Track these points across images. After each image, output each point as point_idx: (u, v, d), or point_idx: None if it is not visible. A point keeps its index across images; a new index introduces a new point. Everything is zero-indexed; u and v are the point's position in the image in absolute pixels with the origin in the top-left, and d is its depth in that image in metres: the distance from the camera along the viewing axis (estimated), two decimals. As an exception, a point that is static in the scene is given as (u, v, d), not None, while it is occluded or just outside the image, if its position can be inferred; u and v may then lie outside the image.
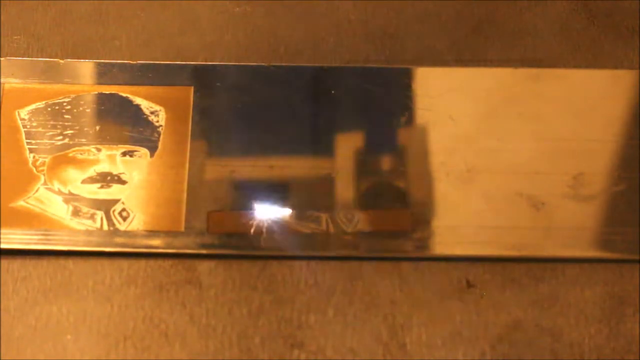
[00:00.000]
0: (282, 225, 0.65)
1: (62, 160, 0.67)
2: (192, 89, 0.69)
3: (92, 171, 0.66)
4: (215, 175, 0.66)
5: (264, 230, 0.65)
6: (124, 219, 0.65)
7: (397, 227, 0.65)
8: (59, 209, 0.65)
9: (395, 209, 0.66)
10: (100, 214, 0.65)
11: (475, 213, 0.66)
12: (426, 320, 0.63)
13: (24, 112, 0.68)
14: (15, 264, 0.64)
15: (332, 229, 0.65)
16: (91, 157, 0.67)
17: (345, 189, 0.66)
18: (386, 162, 0.67)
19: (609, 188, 0.67)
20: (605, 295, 0.64)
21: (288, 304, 0.63)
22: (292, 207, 0.65)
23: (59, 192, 0.66)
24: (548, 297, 0.64)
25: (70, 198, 0.65)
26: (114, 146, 0.67)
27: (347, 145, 0.68)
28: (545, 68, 0.71)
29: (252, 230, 0.65)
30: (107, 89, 0.69)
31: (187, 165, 0.67)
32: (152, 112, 0.68)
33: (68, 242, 0.64)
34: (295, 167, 0.67)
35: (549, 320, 0.63)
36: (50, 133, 0.67)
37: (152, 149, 0.67)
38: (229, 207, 0.66)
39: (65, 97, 0.69)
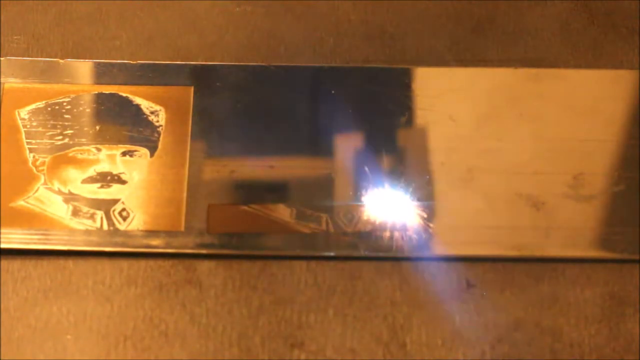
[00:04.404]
0: (282, 225, 0.65)
1: (62, 160, 0.67)
2: (192, 89, 0.69)
3: (92, 171, 0.66)
4: (215, 175, 0.66)
5: (264, 230, 0.65)
6: (124, 218, 0.65)
7: (396, 227, 0.65)
8: (58, 209, 0.65)
9: (395, 209, 0.66)
10: (100, 213, 0.65)
11: (475, 213, 0.66)
12: (426, 320, 0.63)
13: (24, 112, 0.68)
14: (15, 264, 0.64)
15: (332, 229, 0.65)
16: (91, 157, 0.67)
17: (345, 189, 0.66)
18: (386, 162, 0.67)
19: (609, 188, 0.67)
20: (605, 295, 0.64)
21: (288, 304, 0.63)
22: (292, 207, 0.65)
23: (59, 192, 0.66)
24: (548, 297, 0.64)
25: (70, 198, 0.65)
26: (114, 146, 0.67)
27: (347, 145, 0.68)
28: (545, 68, 0.71)
29: (252, 230, 0.65)
30: (107, 89, 0.69)
31: (187, 165, 0.67)
32: (152, 112, 0.68)
33: (68, 242, 0.64)
34: (295, 167, 0.67)
35: (549, 320, 0.63)
36: (50, 133, 0.67)
37: (152, 149, 0.67)
38: (229, 207, 0.66)
39: (65, 97, 0.69)
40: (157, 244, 0.64)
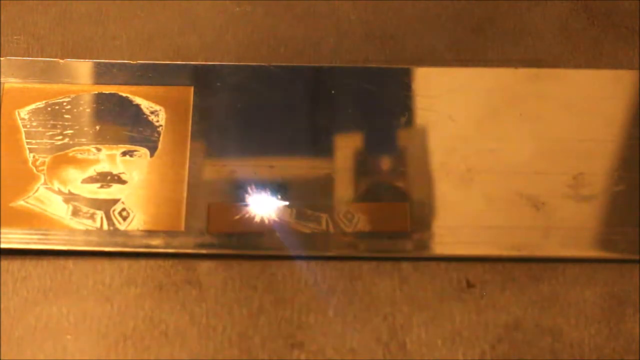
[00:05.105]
0: (282, 225, 0.65)
1: (62, 160, 0.67)
2: (192, 89, 0.69)
3: (92, 171, 0.66)
4: (215, 175, 0.66)
5: (264, 230, 0.65)
6: (124, 218, 0.65)
7: (396, 227, 0.65)
8: (58, 209, 0.65)
9: (395, 209, 0.66)
10: (100, 213, 0.65)
11: (475, 213, 0.66)
12: (426, 320, 0.63)
13: (24, 112, 0.68)
14: (15, 264, 0.64)
15: (332, 229, 0.65)
16: (91, 157, 0.67)
17: (345, 189, 0.66)
18: (386, 162, 0.67)
19: (609, 188, 0.67)
20: (605, 295, 0.64)
21: (288, 304, 0.63)
22: (292, 207, 0.65)
23: (59, 192, 0.66)
24: (548, 297, 0.64)
25: (70, 198, 0.65)
26: (114, 146, 0.67)
27: (347, 145, 0.68)
28: (545, 68, 0.71)
29: (252, 230, 0.65)
30: (107, 89, 0.69)
31: (187, 165, 0.67)
32: (152, 112, 0.68)
33: (68, 241, 0.64)
34: (295, 167, 0.67)
35: (549, 320, 0.63)
36: (50, 133, 0.67)
37: (152, 149, 0.67)
38: (229, 207, 0.66)
39: (65, 97, 0.69)
40: (157, 244, 0.64)
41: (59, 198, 0.65)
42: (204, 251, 0.64)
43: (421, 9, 0.73)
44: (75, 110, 0.68)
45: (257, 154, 0.67)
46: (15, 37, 0.71)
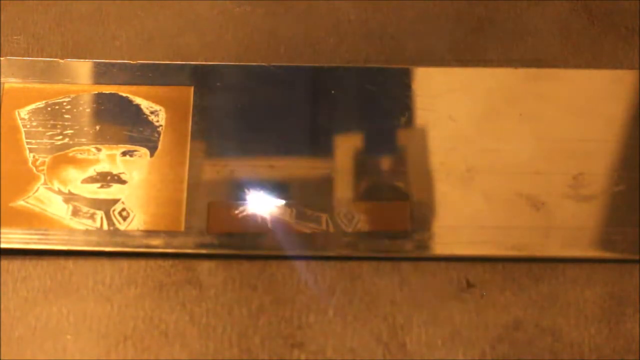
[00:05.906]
0: (282, 225, 0.65)
1: (62, 160, 0.67)
2: (192, 89, 0.69)
3: (92, 171, 0.66)
4: (215, 175, 0.66)
5: (264, 230, 0.65)
6: (124, 218, 0.65)
7: (397, 227, 0.65)
8: (58, 209, 0.65)
9: (395, 209, 0.66)
10: (100, 213, 0.65)
11: (475, 213, 0.66)
12: (426, 320, 0.63)
13: (24, 112, 0.68)
14: (15, 264, 0.64)
15: (332, 229, 0.65)
16: (91, 157, 0.67)
17: (345, 189, 0.66)
18: (386, 162, 0.67)
19: (609, 188, 0.67)
20: (605, 295, 0.64)
21: (288, 304, 0.63)
22: (292, 207, 0.65)
23: (59, 192, 0.66)
24: (548, 297, 0.64)
25: (70, 198, 0.65)
26: (114, 146, 0.67)
27: (347, 145, 0.68)
28: (545, 68, 0.71)
29: (252, 230, 0.65)
30: (107, 89, 0.69)
31: (187, 165, 0.67)
32: (152, 112, 0.68)
33: (68, 241, 0.64)
34: (295, 167, 0.67)
35: (549, 320, 0.63)
36: (50, 133, 0.67)
37: (152, 149, 0.67)
38: (229, 207, 0.66)
39: (65, 97, 0.69)
40: (157, 244, 0.64)
41: (59, 198, 0.65)
42: (204, 251, 0.64)
43: (421, 9, 0.73)
44: (75, 110, 0.68)
45: (257, 154, 0.67)
46: (15, 37, 0.71)
